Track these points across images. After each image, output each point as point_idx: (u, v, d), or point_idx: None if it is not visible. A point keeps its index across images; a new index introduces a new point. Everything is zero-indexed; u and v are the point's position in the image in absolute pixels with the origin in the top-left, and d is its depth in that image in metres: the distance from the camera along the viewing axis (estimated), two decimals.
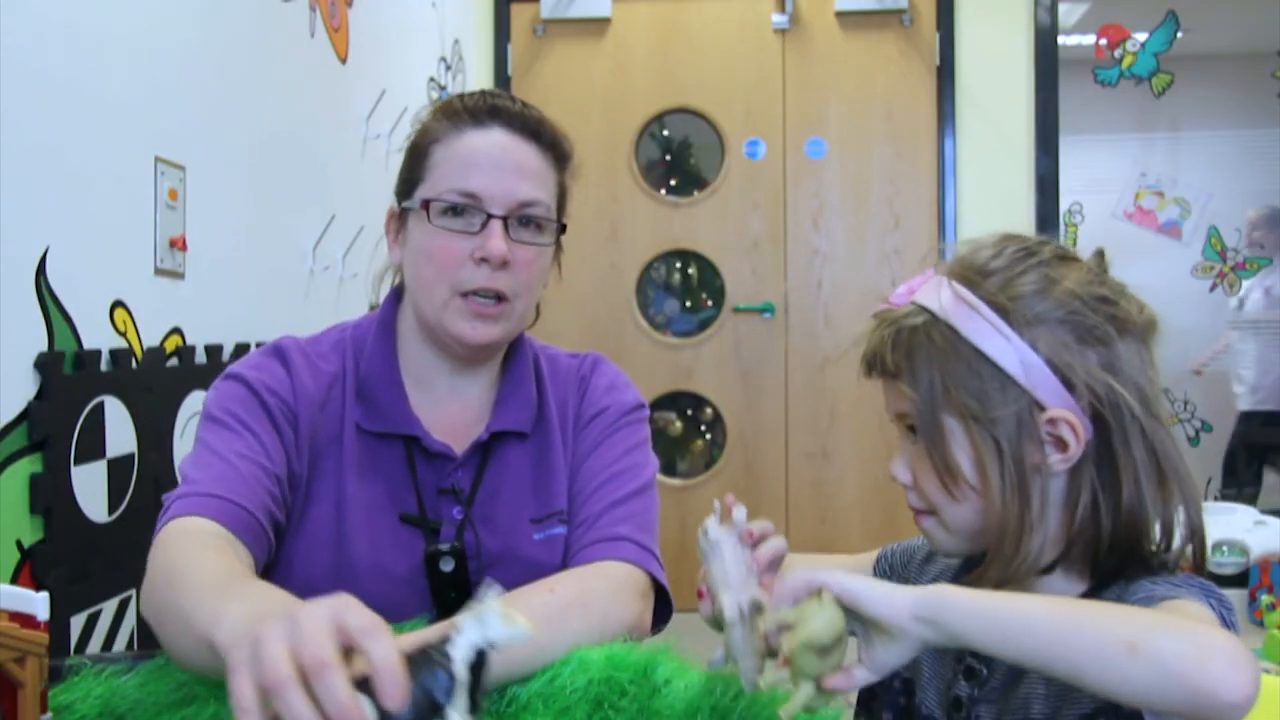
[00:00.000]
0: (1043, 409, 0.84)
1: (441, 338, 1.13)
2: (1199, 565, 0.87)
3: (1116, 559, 0.86)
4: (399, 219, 1.16)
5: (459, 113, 1.12)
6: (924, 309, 0.89)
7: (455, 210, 1.09)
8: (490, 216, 1.09)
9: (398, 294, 1.19)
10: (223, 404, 1.08)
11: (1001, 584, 0.86)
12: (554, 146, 1.14)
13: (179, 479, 1.03)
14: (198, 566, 0.87)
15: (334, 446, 1.12)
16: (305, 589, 1.07)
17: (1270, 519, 2.83)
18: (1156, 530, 0.87)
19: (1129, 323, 0.86)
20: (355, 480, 1.11)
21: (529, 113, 1.14)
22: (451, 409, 1.17)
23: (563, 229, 1.15)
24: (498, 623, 0.63)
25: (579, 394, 1.20)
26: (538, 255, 1.12)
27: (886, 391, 0.93)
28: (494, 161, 1.09)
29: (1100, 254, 0.91)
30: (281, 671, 0.60)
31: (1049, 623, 0.71)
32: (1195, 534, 0.87)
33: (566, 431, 1.18)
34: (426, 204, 1.10)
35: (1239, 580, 3.52)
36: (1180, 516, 0.87)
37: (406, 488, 1.13)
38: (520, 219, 1.10)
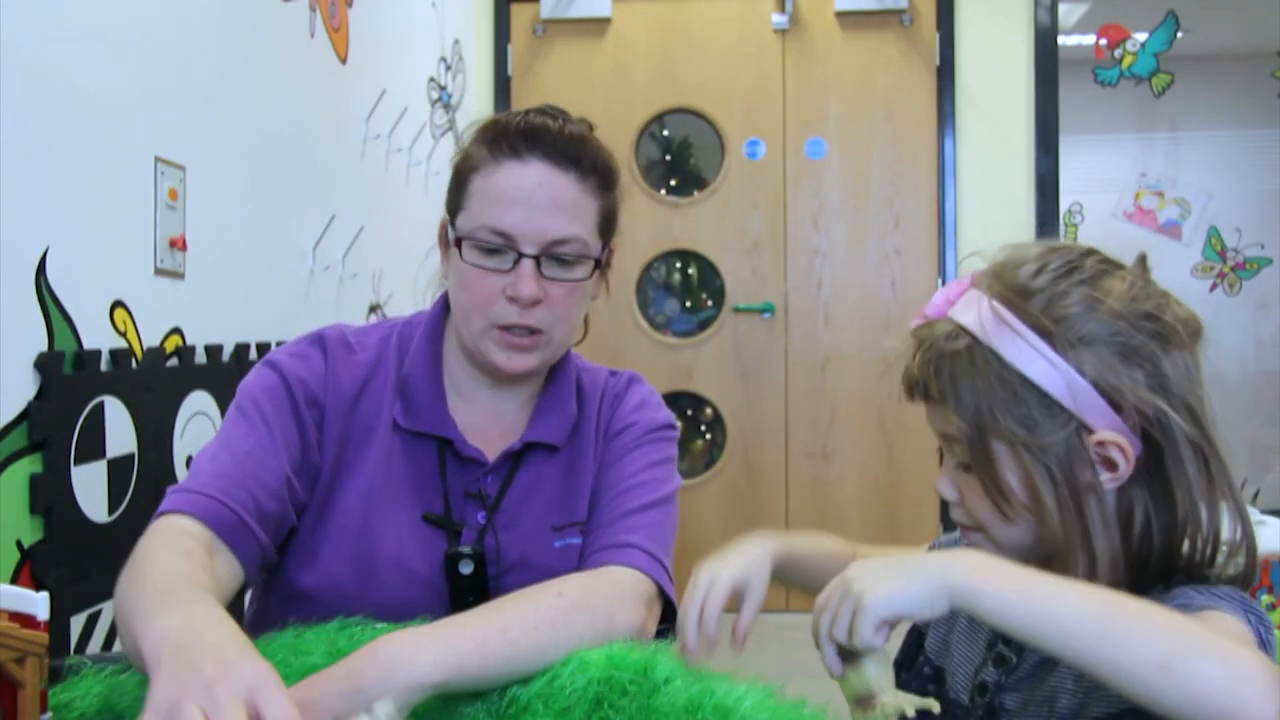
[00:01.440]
0: (1091, 431, 0.83)
1: (479, 362, 1.15)
2: (1248, 577, 0.86)
3: (1160, 569, 0.86)
4: (447, 233, 1.17)
5: (499, 140, 1.11)
6: (964, 330, 0.87)
7: (489, 248, 1.10)
8: (522, 256, 1.09)
9: (447, 300, 1.21)
10: (252, 393, 1.10)
11: None
12: (595, 171, 1.13)
13: (191, 466, 1.06)
14: (155, 569, 0.89)
15: (368, 439, 1.14)
16: (329, 580, 1.10)
17: (1270, 519, 2.82)
18: (1199, 538, 0.86)
19: (1174, 336, 0.85)
20: (385, 475, 1.13)
21: (569, 133, 1.12)
22: (488, 418, 1.19)
23: (597, 262, 1.15)
24: None
25: (611, 409, 1.22)
26: (572, 289, 1.12)
27: (930, 413, 0.91)
28: (528, 198, 1.09)
29: (1143, 260, 0.89)
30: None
31: (1085, 625, 0.70)
32: (1248, 545, 0.86)
33: (597, 445, 1.20)
34: (459, 241, 1.11)
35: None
36: (1227, 526, 0.86)
37: (434, 488, 1.14)
38: (553, 256, 1.10)
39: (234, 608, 1.05)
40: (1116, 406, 0.83)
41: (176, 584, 0.86)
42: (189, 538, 0.96)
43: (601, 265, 1.17)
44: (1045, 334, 0.84)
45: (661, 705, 0.86)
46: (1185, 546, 0.85)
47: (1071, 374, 0.83)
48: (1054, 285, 0.85)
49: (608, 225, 1.17)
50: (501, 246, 1.10)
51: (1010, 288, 0.87)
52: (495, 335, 1.11)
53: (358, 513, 1.11)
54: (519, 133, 1.11)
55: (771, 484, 3.87)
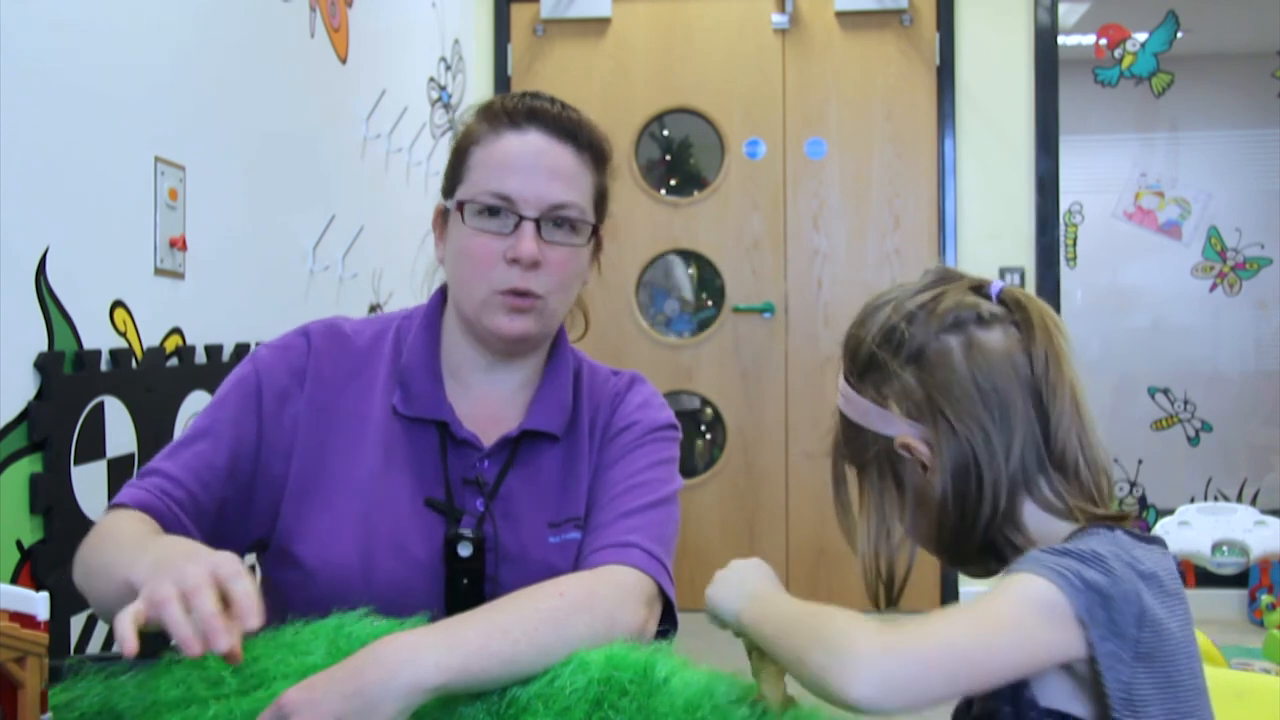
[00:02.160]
0: (892, 439, 0.95)
1: (480, 332, 1.16)
2: (1099, 498, 0.93)
3: (1000, 526, 0.92)
4: (443, 216, 1.20)
5: (498, 114, 1.16)
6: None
7: (490, 211, 1.13)
8: (522, 219, 1.12)
9: (444, 291, 1.23)
10: (228, 388, 1.17)
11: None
12: (591, 147, 1.17)
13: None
14: (121, 529, 1.00)
15: (363, 424, 1.16)
16: (331, 559, 1.11)
17: (1270, 519, 2.82)
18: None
19: (932, 330, 0.94)
20: (385, 461, 1.14)
21: (567, 114, 1.17)
22: (485, 402, 1.20)
23: (595, 230, 1.18)
24: None
25: (611, 408, 1.22)
26: (570, 255, 1.15)
27: None
28: (528, 164, 1.12)
29: (931, 269, 1.00)
30: (166, 593, 0.81)
31: (778, 639, 0.86)
32: (1092, 466, 0.93)
33: (594, 441, 1.20)
34: (461, 205, 1.14)
35: (1239, 580, 3.52)
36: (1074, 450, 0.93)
37: (435, 474, 1.15)
38: (553, 220, 1.13)
39: None
40: (909, 414, 0.94)
41: (146, 536, 0.98)
42: (140, 521, 1.04)
43: (597, 238, 1.20)
44: (847, 377, 1.00)
45: (661, 706, 0.86)
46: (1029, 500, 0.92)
47: (859, 400, 0.98)
48: (850, 334, 1.01)
49: (601, 203, 1.20)
50: (502, 208, 1.12)
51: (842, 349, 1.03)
52: (497, 300, 1.13)
53: (359, 497, 1.13)
54: (517, 108, 1.16)
55: (771, 484, 3.87)
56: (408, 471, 1.15)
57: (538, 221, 1.12)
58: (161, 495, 1.08)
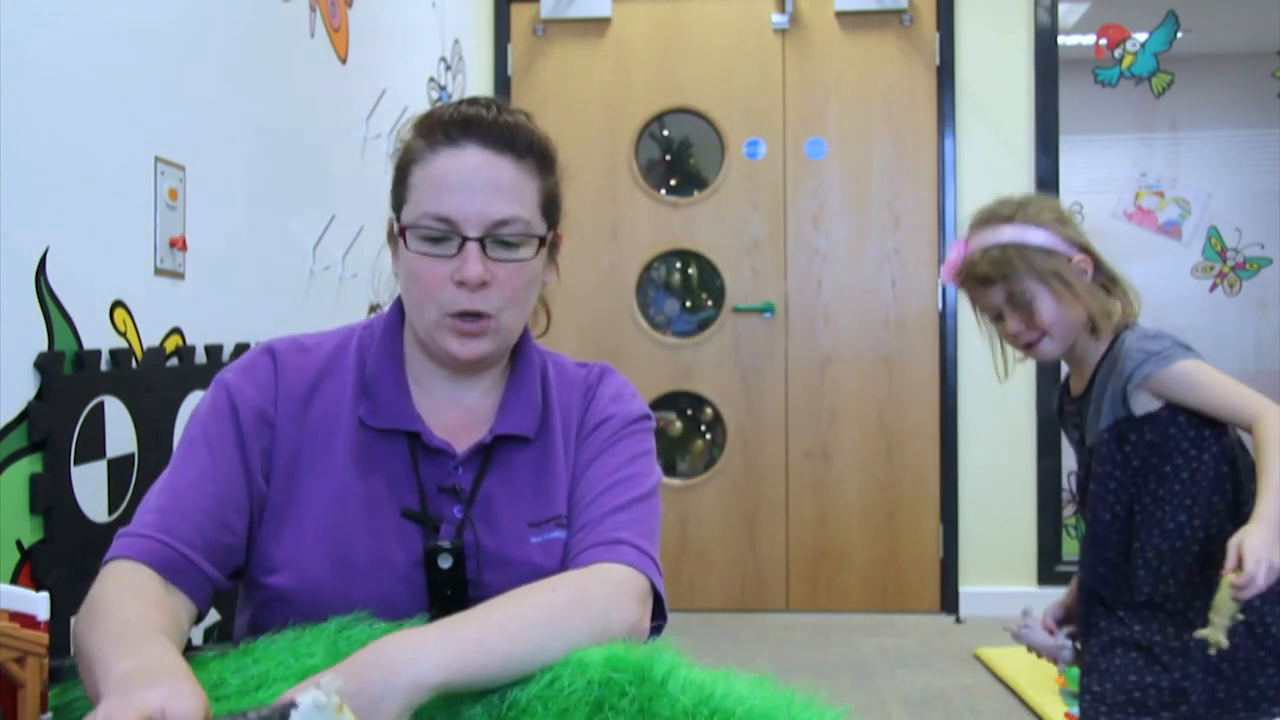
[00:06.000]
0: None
1: (435, 352, 1.15)
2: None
3: None
4: (393, 232, 1.18)
5: (434, 130, 1.12)
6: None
7: (433, 235, 1.10)
8: (465, 239, 1.09)
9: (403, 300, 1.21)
10: (202, 417, 1.12)
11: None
12: (532, 152, 1.13)
13: (141, 501, 1.08)
14: (111, 614, 0.92)
15: (329, 439, 1.13)
16: (304, 580, 1.09)
17: None
18: None
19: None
20: (356, 474, 1.12)
21: (504, 121, 1.13)
22: (453, 412, 1.18)
23: (542, 241, 1.14)
24: (329, 717, 0.72)
25: (584, 403, 1.21)
26: (518, 270, 1.12)
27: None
28: (466, 182, 1.10)
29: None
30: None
31: None
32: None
33: (569, 439, 1.19)
34: (403, 231, 1.12)
35: None
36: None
37: (408, 484, 1.14)
38: (498, 238, 1.11)
39: (226, 616, 1.06)
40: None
41: (133, 628, 0.90)
42: (141, 577, 0.99)
43: (548, 246, 1.17)
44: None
45: (661, 708, 0.86)
46: None
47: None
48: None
49: (551, 206, 1.17)
50: (445, 233, 1.10)
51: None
52: (448, 324, 1.11)
53: (330, 514, 1.11)
54: (452, 121, 1.12)
55: (771, 484, 3.87)
56: (380, 484, 1.13)
57: (482, 241, 1.09)
58: (170, 540, 1.03)
